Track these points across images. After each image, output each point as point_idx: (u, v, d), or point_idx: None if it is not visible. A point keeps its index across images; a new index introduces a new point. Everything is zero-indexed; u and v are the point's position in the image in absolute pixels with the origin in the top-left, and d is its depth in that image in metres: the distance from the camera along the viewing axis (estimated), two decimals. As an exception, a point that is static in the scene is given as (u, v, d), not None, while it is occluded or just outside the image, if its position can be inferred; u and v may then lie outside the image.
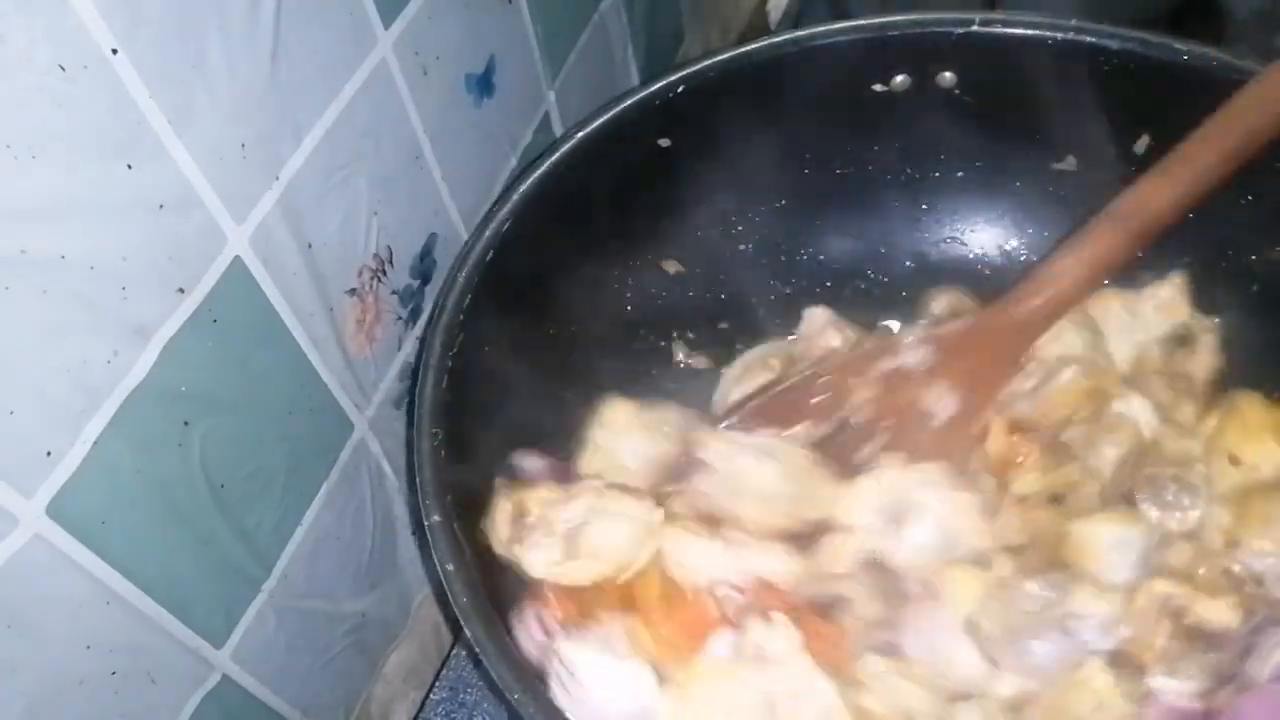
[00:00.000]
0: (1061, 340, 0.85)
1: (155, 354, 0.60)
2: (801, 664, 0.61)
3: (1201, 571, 0.71)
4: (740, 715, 0.61)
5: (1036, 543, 0.73)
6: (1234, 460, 0.79)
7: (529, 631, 0.66)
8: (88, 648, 0.61)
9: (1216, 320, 0.88)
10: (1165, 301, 0.88)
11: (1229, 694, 0.65)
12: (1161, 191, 0.78)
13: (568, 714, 0.57)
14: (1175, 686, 0.65)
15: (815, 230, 1.00)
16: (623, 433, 0.84)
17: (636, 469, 0.83)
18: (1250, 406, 0.81)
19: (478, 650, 0.60)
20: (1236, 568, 0.71)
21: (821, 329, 0.94)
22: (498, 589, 0.68)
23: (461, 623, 0.62)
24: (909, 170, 0.99)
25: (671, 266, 0.97)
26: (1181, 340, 0.88)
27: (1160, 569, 0.72)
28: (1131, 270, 0.85)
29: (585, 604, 0.68)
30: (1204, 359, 0.86)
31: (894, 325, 0.97)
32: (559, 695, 0.63)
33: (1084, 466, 0.77)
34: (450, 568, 0.63)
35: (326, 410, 0.80)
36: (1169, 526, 0.73)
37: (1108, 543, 0.72)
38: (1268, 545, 0.72)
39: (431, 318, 0.77)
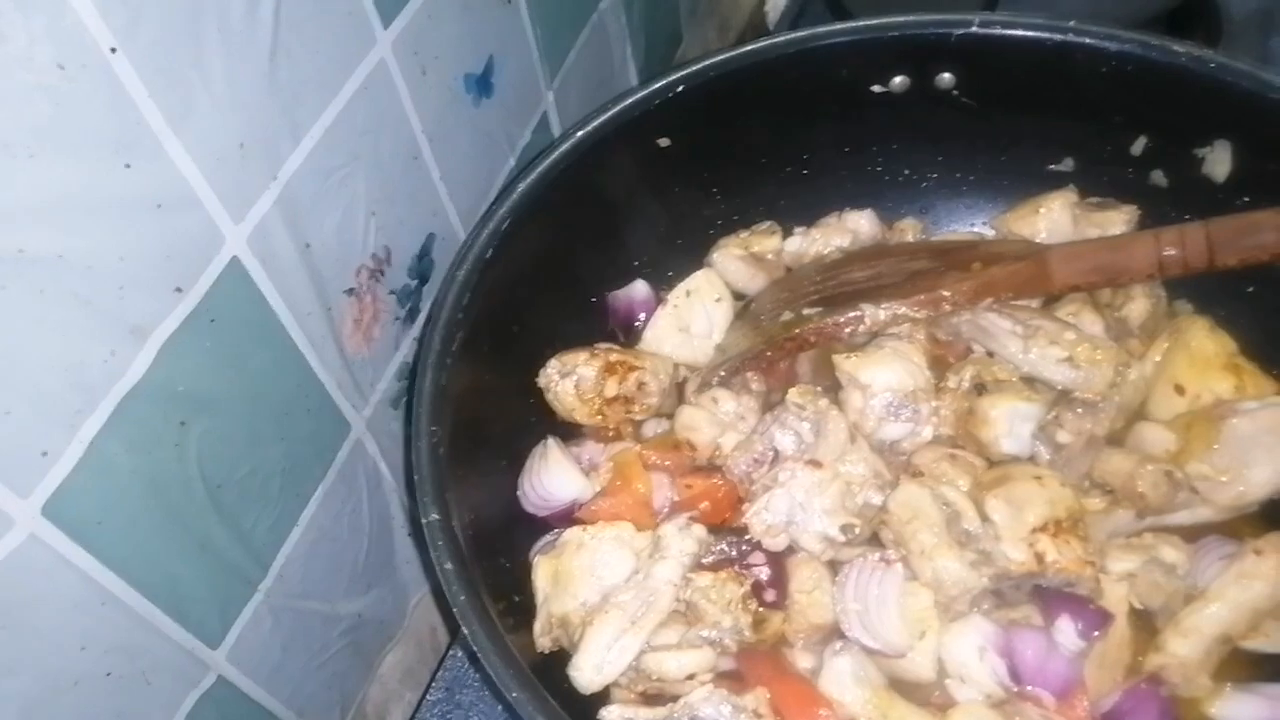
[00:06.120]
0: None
1: (152, 354, 0.60)
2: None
3: (1148, 469, 0.74)
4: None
5: (956, 419, 0.80)
6: (1179, 390, 0.80)
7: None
8: (83, 649, 0.60)
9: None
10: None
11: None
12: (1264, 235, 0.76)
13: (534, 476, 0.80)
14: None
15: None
16: (707, 301, 0.90)
17: (696, 344, 0.90)
18: (1197, 336, 0.82)
19: (475, 649, 0.60)
20: (1179, 474, 0.75)
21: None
22: (496, 588, 0.67)
23: (460, 622, 0.62)
24: (907, 171, 0.99)
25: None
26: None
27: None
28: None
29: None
30: (1140, 303, 0.87)
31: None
32: (535, 459, 0.83)
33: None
34: (449, 567, 0.63)
35: (324, 410, 0.80)
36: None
37: (1005, 414, 0.77)
38: (1206, 470, 0.75)
39: (430, 316, 0.77)
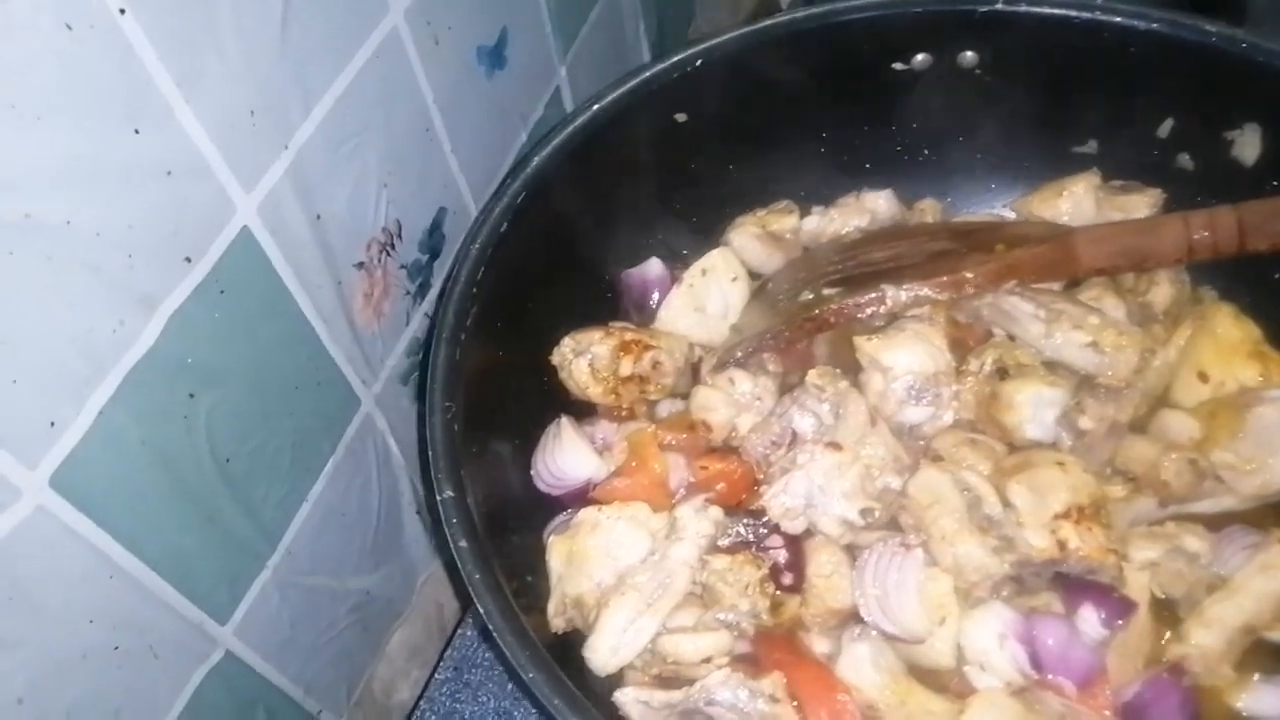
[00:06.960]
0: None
1: (161, 324, 0.59)
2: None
3: (1172, 457, 0.73)
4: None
5: (978, 403, 0.79)
6: (1203, 377, 0.79)
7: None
8: (90, 622, 0.60)
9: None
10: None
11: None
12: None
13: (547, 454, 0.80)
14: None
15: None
16: (723, 280, 0.89)
17: (712, 324, 0.89)
18: (1222, 323, 0.81)
19: (491, 629, 0.59)
20: (1203, 462, 0.74)
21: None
22: (509, 567, 0.66)
23: (475, 600, 0.61)
24: (927, 151, 0.98)
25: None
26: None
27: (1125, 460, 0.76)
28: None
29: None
30: (1164, 289, 0.85)
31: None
32: (549, 438, 0.82)
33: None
34: (463, 544, 0.62)
35: (333, 385, 0.79)
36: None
37: (1029, 399, 0.75)
38: (1231, 458, 0.74)
39: (444, 290, 0.75)
